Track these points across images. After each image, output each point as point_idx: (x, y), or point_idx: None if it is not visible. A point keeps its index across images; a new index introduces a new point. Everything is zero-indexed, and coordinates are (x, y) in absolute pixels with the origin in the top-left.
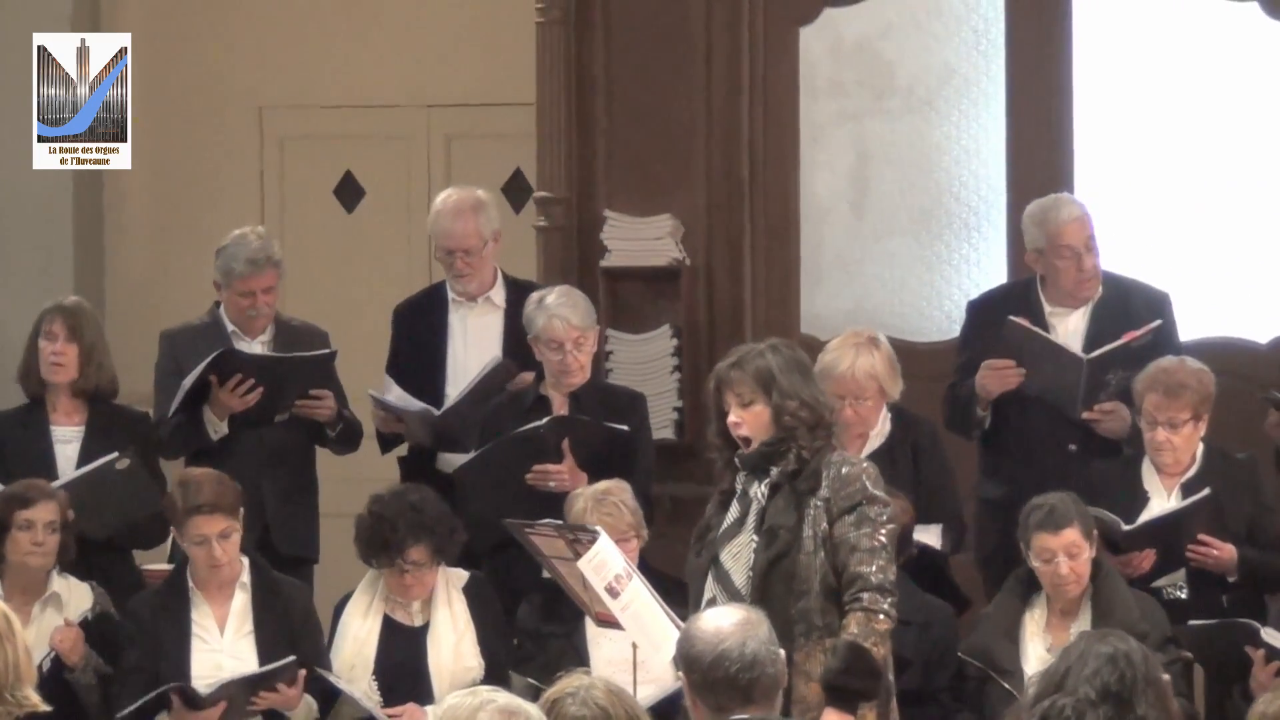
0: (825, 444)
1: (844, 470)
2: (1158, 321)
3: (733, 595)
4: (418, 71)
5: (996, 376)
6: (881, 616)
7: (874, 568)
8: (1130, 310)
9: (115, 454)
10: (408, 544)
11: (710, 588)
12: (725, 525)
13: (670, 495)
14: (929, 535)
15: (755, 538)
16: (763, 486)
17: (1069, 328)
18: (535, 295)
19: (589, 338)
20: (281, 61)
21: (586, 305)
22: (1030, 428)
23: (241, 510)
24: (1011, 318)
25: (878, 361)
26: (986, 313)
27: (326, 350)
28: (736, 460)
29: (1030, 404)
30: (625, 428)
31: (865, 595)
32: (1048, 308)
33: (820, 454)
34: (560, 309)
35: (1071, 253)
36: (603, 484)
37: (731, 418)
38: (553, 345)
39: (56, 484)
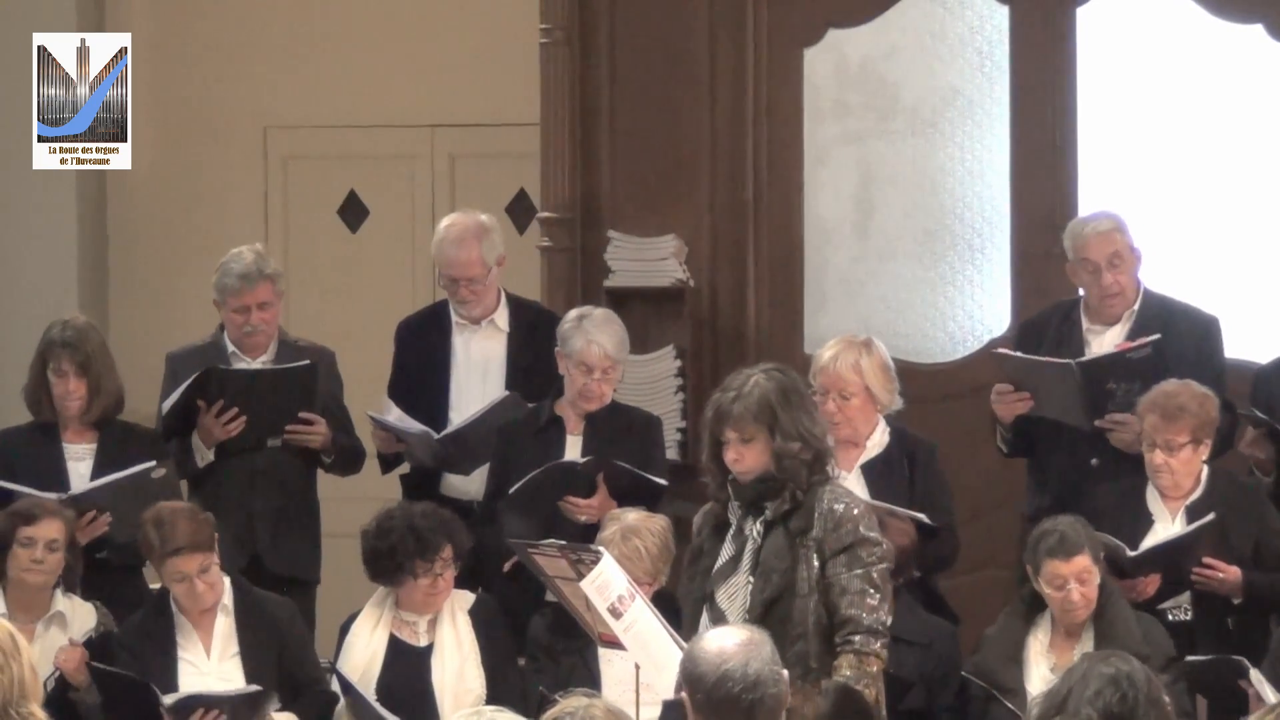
0: (822, 479)
1: (836, 509)
2: (1155, 336)
3: None
4: (422, 92)
5: (1005, 403)
6: (872, 658)
7: (864, 610)
8: (1172, 332)
9: (152, 463)
10: (441, 543)
11: (704, 625)
12: (721, 562)
13: (675, 516)
14: None
15: (751, 579)
16: (758, 525)
17: (1104, 345)
18: (575, 313)
19: (618, 369)
20: (286, 82)
21: (623, 336)
22: (1052, 444)
23: (216, 536)
24: (996, 350)
25: (865, 361)
26: (1031, 333)
27: (304, 362)
28: (730, 489)
29: (1050, 420)
30: (664, 482)
31: (857, 638)
32: (1085, 324)
33: (814, 489)
34: (599, 335)
35: (1093, 266)
36: (639, 518)
37: (730, 454)
38: (583, 368)
39: (89, 487)
